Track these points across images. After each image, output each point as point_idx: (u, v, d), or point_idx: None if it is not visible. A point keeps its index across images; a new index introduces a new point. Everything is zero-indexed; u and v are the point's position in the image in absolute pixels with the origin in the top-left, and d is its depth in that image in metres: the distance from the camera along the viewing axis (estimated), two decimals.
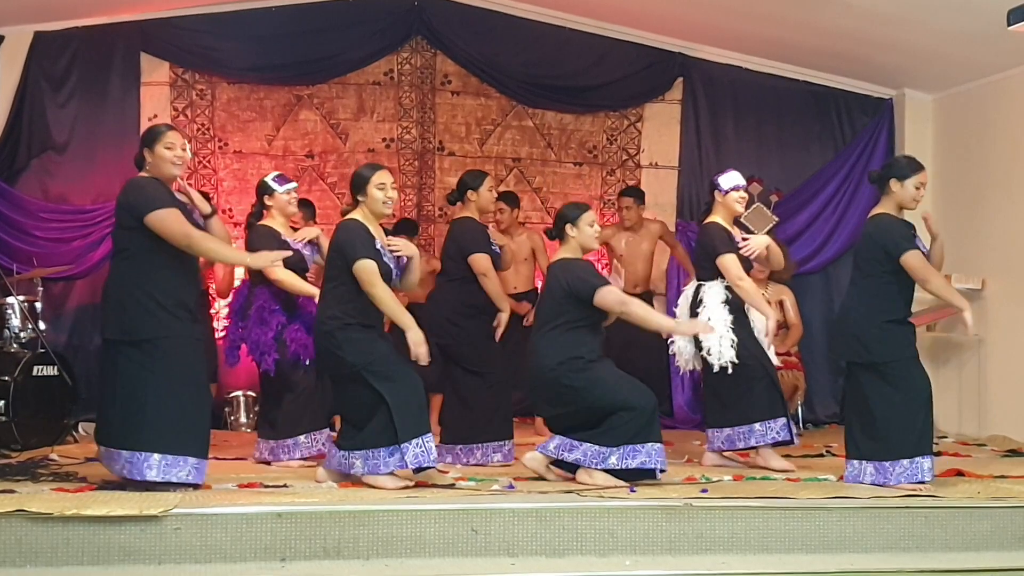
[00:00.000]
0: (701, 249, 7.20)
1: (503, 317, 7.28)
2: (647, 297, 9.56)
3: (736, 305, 7.00)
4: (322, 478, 6.02)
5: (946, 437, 8.66)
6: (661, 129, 10.24)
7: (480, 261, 7.15)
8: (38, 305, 7.98)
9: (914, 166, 6.30)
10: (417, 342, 5.87)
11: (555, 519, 5.24)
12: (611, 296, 6.12)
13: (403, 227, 9.06)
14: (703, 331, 6.59)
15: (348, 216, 6.12)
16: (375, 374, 5.81)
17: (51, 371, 7.68)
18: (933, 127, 10.19)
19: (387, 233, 8.17)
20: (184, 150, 5.76)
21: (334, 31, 9.56)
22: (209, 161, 9.49)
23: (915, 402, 6.10)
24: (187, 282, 5.71)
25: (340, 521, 5.08)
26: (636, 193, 9.48)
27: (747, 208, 9.51)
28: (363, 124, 9.75)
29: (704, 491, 5.74)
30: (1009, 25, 7.51)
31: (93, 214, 9.03)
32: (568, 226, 6.38)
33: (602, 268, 9.65)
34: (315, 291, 6.56)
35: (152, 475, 5.47)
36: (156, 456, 5.48)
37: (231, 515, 5.04)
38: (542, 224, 9.83)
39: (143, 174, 5.76)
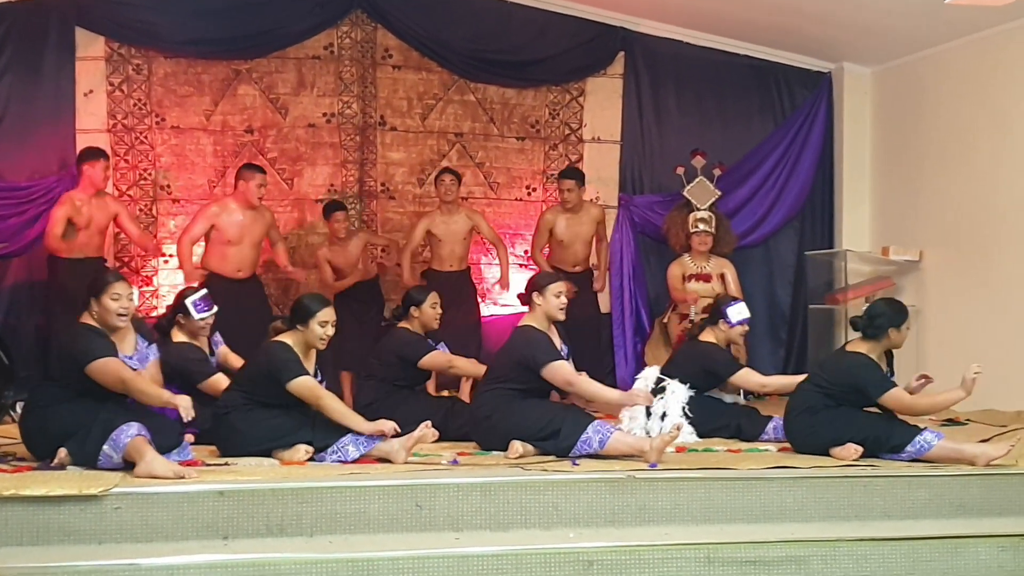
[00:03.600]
0: (697, 366, 7.27)
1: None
2: (588, 275, 9.60)
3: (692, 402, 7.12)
4: None
5: None
6: (603, 103, 10.24)
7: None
8: None
9: (904, 310, 6.47)
10: None
11: (499, 493, 5.25)
12: (559, 374, 6.33)
13: (330, 207, 9.16)
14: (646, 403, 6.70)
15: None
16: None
17: None
18: (871, 100, 10.29)
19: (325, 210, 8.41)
20: (130, 300, 5.84)
21: (272, 4, 9.45)
22: (146, 137, 9.35)
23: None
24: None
25: (283, 498, 5.06)
26: (577, 175, 9.52)
27: (690, 182, 9.60)
28: (303, 99, 9.65)
29: (653, 465, 5.74)
30: None
31: (28, 191, 8.88)
32: (535, 294, 6.55)
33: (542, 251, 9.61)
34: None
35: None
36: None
37: (172, 494, 5.00)
38: (484, 199, 9.87)
39: (86, 319, 5.82)
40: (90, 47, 9.26)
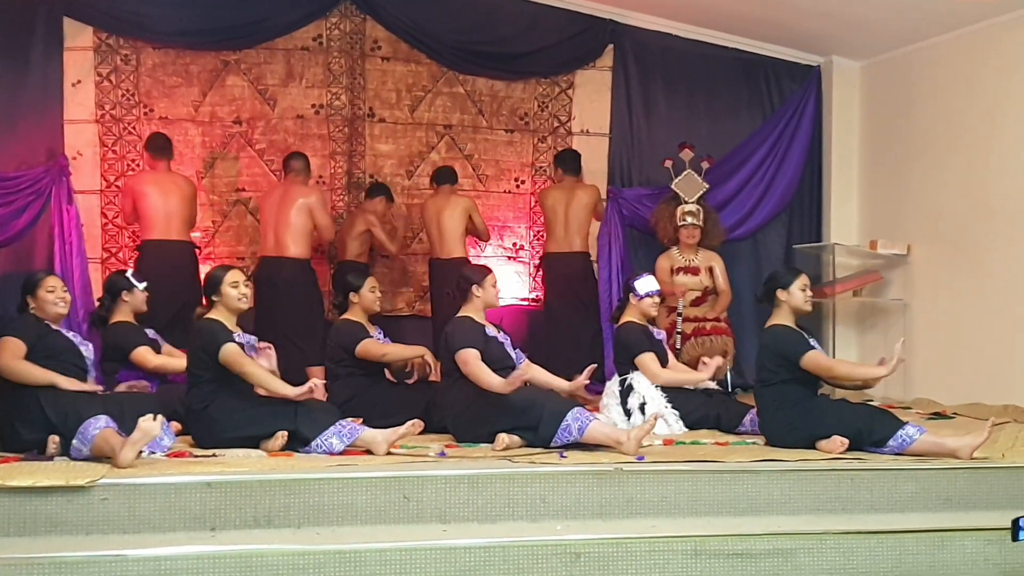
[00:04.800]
0: (622, 348, 7.46)
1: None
2: (582, 260, 9.60)
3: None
4: None
5: (872, 400, 8.78)
6: (592, 96, 10.24)
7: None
8: None
9: (793, 271, 6.62)
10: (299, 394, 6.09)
11: (487, 485, 5.25)
12: (461, 358, 6.49)
13: (379, 190, 9.37)
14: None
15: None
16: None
17: None
18: (860, 94, 10.30)
19: (366, 194, 9.15)
20: (64, 291, 6.27)
21: None
22: (135, 127, 9.32)
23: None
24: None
25: (270, 490, 5.05)
26: (559, 157, 9.72)
27: (678, 175, 9.60)
28: (292, 90, 9.64)
29: (641, 458, 5.75)
30: None
31: (16, 181, 8.83)
32: (475, 287, 6.80)
33: (535, 233, 9.74)
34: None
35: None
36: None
37: (159, 485, 4.99)
38: (474, 191, 9.86)
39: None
40: (78, 37, 9.22)
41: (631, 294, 7.55)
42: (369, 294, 7.53)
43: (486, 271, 6.92)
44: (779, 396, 6.35)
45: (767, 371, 6.41)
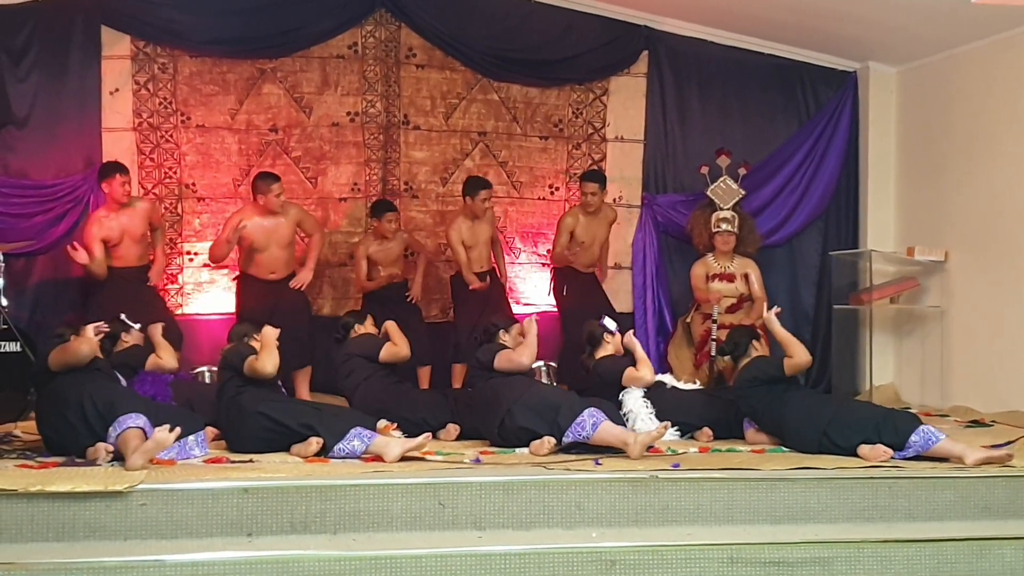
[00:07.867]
0: (605, 380, 7.46)
1: None
2: (596, 279, 9.60)
3: (653, 393, 7.39)
4: None
5: (909, 408, 8.73)
6: (627, 102, 10.21)
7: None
8: (0, 281, 7.89)
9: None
10: None
11: (522, 492, 5.26)
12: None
13: (382, 206, 9.21)
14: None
15: None
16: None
17: (14, 347, 7.60)
18: (897, 100, 10.24)
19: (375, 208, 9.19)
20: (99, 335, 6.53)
21: (297, 3, 9.45)
22: (172, 135, 9.39)
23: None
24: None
25: (307, 496, 5.08)
26: (601, 178, 9.55)
27: (714, 181, 9.58)
28: (327, 98, 9.67)
29: (676, 465, 5.75)
30: None
31: (54, 189, 8.93)
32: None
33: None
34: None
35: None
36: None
37: (197, 490, 5.03)
38: (507, 198, 9.87)
39: None
40: (116, 46, 9.29)
41: (606, 333, 7.61)
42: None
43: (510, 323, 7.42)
44: (786, 408, 6.62)
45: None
